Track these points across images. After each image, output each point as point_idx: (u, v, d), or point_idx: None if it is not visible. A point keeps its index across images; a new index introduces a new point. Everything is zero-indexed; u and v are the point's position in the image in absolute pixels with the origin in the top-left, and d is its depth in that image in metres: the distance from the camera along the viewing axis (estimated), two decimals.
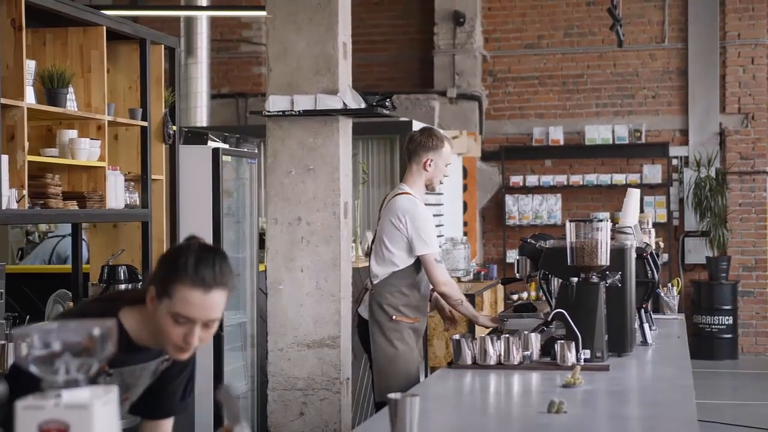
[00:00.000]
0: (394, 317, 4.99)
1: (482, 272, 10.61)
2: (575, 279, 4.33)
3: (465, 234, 11.96)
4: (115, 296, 2.82)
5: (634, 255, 4.66)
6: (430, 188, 5.18)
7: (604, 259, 4.34)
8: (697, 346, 12.08)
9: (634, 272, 4.64)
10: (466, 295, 8.99)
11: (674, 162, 12.51)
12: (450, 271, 9.70)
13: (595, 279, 4.35)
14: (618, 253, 4.49)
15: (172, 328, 2.52)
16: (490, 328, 4.84)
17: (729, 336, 12.05)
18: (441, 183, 5.25)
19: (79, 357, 1.79)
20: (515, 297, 11.32)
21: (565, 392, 3.62)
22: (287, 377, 5.53)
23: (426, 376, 6.56)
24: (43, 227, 9.18)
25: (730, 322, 12.03)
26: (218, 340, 6.04)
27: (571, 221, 4.40)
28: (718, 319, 12.00)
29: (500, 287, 10.87)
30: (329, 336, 5.58)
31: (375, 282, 5.03)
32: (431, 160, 5.08)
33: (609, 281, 4.45)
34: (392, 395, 2.72)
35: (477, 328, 7.89)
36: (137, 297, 2.67)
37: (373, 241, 5.27)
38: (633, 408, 3.60)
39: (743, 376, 11.46)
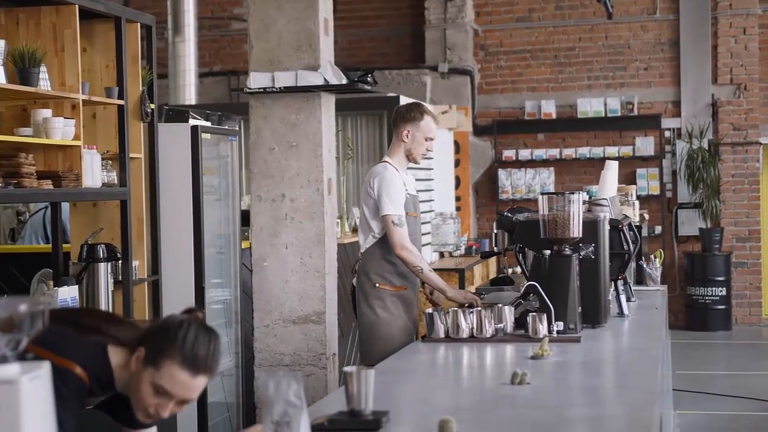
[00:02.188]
0: (377, 285, 5.08)
1: (474, 246, 10.62)
2: (548, 251, 4.34)
3: (458, 209, 11.97)
4: (93, 325, 2.69)
5: (607, 227, 4.66)
6: (411, 160, 5.22)
7: (576, 231, 4.34)
8: (691, 318, 12.12)
9: (607, 244, 4.64)
10: (456, 270, 9.08)
11: (666, 134, 12.49)
12: (439, 245, 9.75)
13: (567, 251, 4.36)
14: (591, 225, 4.50)
15: (149, 396, 2.54)
16: (463, 304, 4.83)
17: (723, 307, 12.07)
18: (425, 156, 5.28)
19: (8, 333, 1.79)
20: (509, 271, 11.31)
21: (533, 364, 3.63)
22: (273, 353, 5.55)
23: None
24: (33, 207, 9.20)
25: (724, 293, 12.04)
26: None
27: (543, 194, 4.41)
28: (712, 291, 12.01)
29: (492, 262, 10.89)
30: (315, 312, 5.60)
31: (362, 251, 5.15)
32: (408, 131, 5.15)
33: (582, 253, 4.46)
34: (347, 368, 2.74)
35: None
36: (121, 338, 2.64)
37: None
38: (596, 378, 3.61)
39: (737, 346, 11.48)
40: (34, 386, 1.78)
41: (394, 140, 5.24)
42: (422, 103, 5.42)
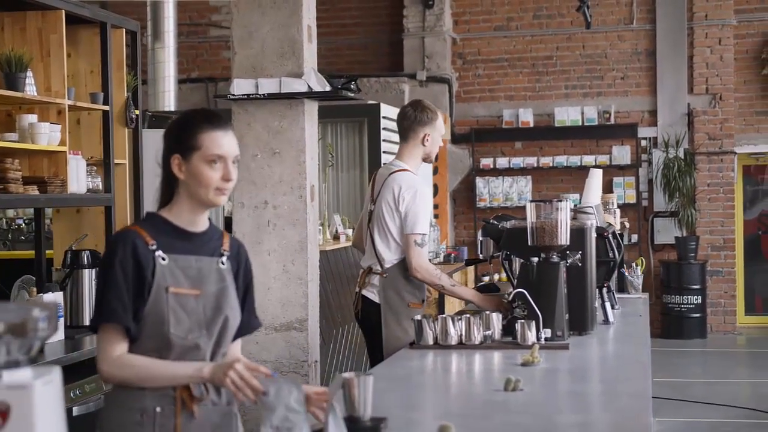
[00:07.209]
0: (410, 304, 4.83)
1: (453, 254, 10.65)
2: (535, 259, 4.36)
3: (436, 216, 12.00)
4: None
5: (594, 235, 4.68)
6: (427, 161, 4.99)
7: (564, 238, 4.36)
8: (666, 326, 12.20)
9: (594, 252, 4.66)
10: None
11: (643, 143, 12.58)
12: None
13: (555, 258, 4.37)
14: (578, 233, 4.52)
15: (210, 173, 2.80)
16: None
17: (698, 315, 12.16)
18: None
19: (21, 338, 1.78)
20: (486, 279, 11.35)
21: (523, 371, 3.64)
22: (255, 361, 5.47)
23: None
24: (10, 213, 9.15)
25: (699, 301, 12.13)
26: None
27: (531, 201, 4.43)
28: (687, 299, 12.10)
29: (470, 269, 10.92)
30: (297, 319, 5.60)
31: (387, 266, 4.82)
32: (428, 135, 4.90)
33: (569, 261, 4.48)
34: (345, 374, 2.74)
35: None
36: (162, 204, 2.92)
37: (369, 222, 4.96)
38: (588, 385, 3.63)
39: (712, 354, 11.56)
40: (47, 391, 1.77)
41: (410, 145, 4.92)
42: (423, 100, 5.16)
